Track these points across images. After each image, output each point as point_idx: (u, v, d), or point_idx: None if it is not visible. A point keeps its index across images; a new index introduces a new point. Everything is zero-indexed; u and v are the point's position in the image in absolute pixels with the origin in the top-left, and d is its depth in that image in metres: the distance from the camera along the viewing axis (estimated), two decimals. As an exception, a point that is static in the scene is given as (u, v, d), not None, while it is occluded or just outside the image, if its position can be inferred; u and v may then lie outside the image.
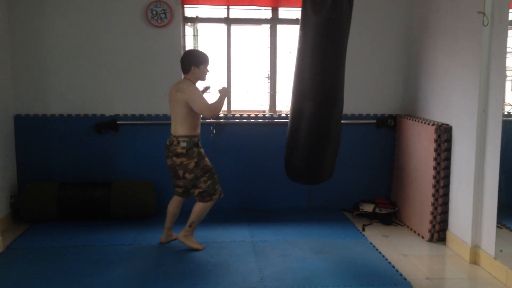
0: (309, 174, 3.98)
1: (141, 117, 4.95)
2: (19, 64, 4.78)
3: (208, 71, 4.07)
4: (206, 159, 4.06)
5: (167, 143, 4.03)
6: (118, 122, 4.90)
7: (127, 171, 4.96)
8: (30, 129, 4.86)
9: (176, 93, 3.95)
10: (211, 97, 4.13)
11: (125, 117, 4.94)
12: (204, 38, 5.19)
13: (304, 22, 3.78)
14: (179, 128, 3.94)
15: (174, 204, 4.19)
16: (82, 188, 4.70)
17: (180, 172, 3.98)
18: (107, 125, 4.88)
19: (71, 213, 4.67)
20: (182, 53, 4.96)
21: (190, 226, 4.05)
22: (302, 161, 3.90)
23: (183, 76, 4.06)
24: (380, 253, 4.06)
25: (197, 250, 4.05)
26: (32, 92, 4.84)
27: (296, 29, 5.22)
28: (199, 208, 4.03)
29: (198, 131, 4.03)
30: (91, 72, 4.86)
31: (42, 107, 4.87)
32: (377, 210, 4.92)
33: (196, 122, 3.99)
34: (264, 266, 3.77)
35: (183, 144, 3.92)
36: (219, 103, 3.99)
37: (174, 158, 3.95)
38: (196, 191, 4.01)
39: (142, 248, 4.13)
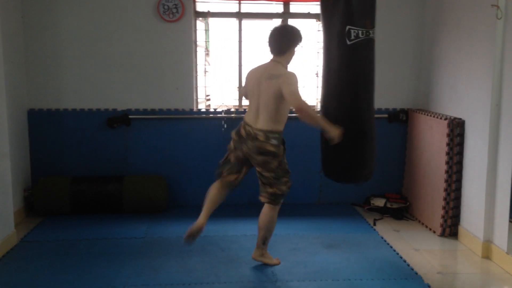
0: (349, 173, 3.72)
1: (152, 111, 4.97)
2: (32, 59, 4.82)
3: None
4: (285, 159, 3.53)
5: (242, 132, 3.47)
6: (130, 116, 4.92)
7: (139, 165, 4.99)
8: (43, 124, 4.90)
9: (267, 80, 3.37)
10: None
11: (137, 111, 4.96)
12: (216, 33, 5.19)
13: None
14: (269, 122, 3.37)
15: (219, 191, 3.62)
16: (94, 182, 4.75)
17: (259, 169, 3.47)
18: (119, 119, 4.91)
19: (84, 206, 4.71)
20: (194, 48, 4.97)
21: (264, 243, 3.63)
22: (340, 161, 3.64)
23: (272, 58, 3.48)
24: (391, 247, 4.06)
25: (276, 264, 3.67)
26: (45, 87, 4.88)
27: (307, 23, 5.22)
28: (269, 217, 3.55)
29: (283, 126, 3.51)
30: (103, 66, 4.89)
31: (55, 102, 4.91)
32: (388, 205, 4.91)
33: (287, 114, 3.47)
34: (275, 260, 3.78)
35: (274, 142, 3.37)
36: (318, 119, 3.39)
37: (257, 156, 3.40)
38: (270, 190, 3.49)
39: (154, 241, 4.16)
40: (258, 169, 3.48)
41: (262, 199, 3.56)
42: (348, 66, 3.55)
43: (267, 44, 3.49)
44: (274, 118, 3.39)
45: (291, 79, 3.32)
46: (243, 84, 3.75)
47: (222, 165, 3.64)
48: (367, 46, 3.53)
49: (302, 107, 3.27)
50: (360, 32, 3.45)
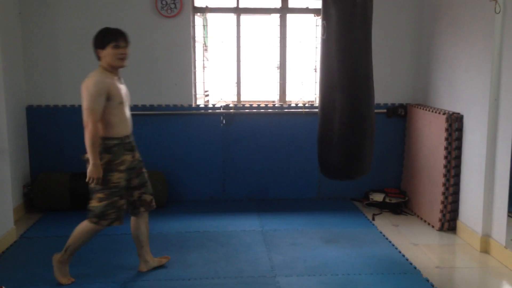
0: (348, 169, 3.60)
1: (151, 107, 4.97)
2: (30, 55, 4.81)
3: (121, 53, 3.20)
4: (119, 175, 3.21)
5: None
6: (128, 112, 4.92)
7: (138, 161, 4.99)
8: (42, 120, 4.90)
9: None
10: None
11: (135, 107, 4.95)
12: (214, 28, 5.19)
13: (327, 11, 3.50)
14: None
15: (132, 225, 3.53)
16: (93, 178, 4.75)
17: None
18: (118, 115, 4.90)
19: (83, 202, 4.66)
20: (192, 43, 4.96)
21: (66, 250, 3.27)
22: (339, 156, 3.53)
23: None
24: (390, 242, 4.07)
25: (60, 284, 3.28)
26: (44, 83, 4.87)
27: (306, 18, 5.22)
28: (81, 228, 3.25)
29: (122, 132, 3.23)
30: (101, 62, 4.89)
31: (54, 98, 4.90)
32: (387, 200, 4.92)
33: (114, 120, 3.16)
34: (274, 255, 3.79)
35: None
36: (92, 147, 3.08)
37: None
38: (88, 206, 3.27)
39: (153, 237, 4.14)
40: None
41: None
42: None
43: None
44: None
45: (86, 90, 3.07)
46: None
47: None
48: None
49: (86, 126, 3.05)
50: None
